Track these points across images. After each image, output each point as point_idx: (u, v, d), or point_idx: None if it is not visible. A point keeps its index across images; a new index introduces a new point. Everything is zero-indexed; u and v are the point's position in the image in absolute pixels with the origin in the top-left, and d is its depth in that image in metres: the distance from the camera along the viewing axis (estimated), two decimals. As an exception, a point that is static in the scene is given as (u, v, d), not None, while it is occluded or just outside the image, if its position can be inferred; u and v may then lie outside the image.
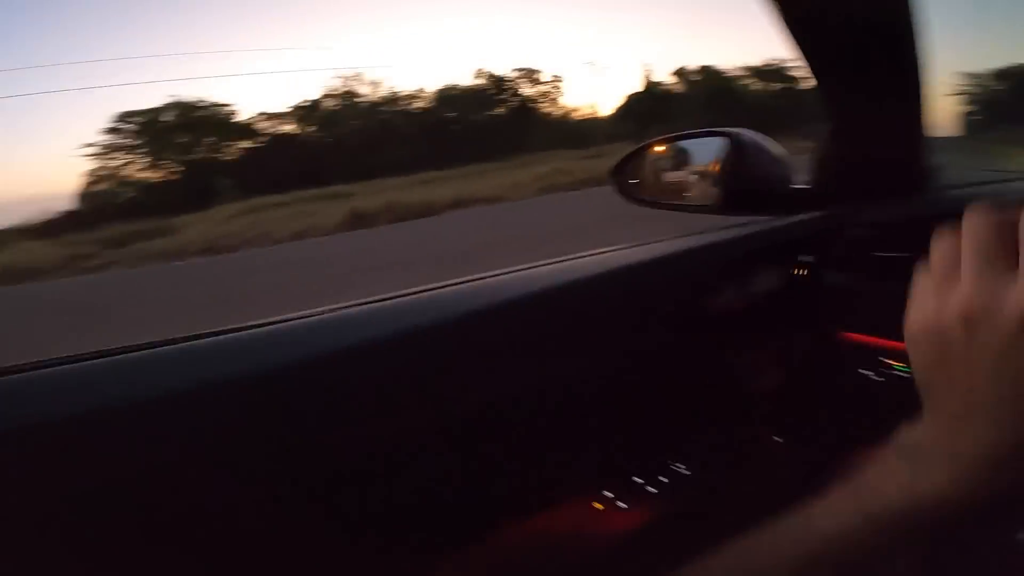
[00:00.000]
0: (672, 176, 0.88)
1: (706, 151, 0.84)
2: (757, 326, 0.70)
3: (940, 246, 0.31)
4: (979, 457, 0.29)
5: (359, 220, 12.73)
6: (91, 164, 22.07)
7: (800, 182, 0.78)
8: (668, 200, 0.86)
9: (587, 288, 0.57)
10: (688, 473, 0.67)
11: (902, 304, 0.33)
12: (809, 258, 0.69)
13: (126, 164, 22.27)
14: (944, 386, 0.31)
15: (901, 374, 0.62)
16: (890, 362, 0.63)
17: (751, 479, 0.71)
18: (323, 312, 0.48)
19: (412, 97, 26.16)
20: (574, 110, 28.12)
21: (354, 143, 23.28)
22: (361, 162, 20.92)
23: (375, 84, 25.83)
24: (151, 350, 0.40)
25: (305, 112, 25.03)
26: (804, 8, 0.58)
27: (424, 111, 26.01)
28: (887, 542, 0.32)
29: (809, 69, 0.66)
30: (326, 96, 25.26)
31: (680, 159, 0.87)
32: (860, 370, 0.66)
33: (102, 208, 20.46)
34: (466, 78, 27.54)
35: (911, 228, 0.65)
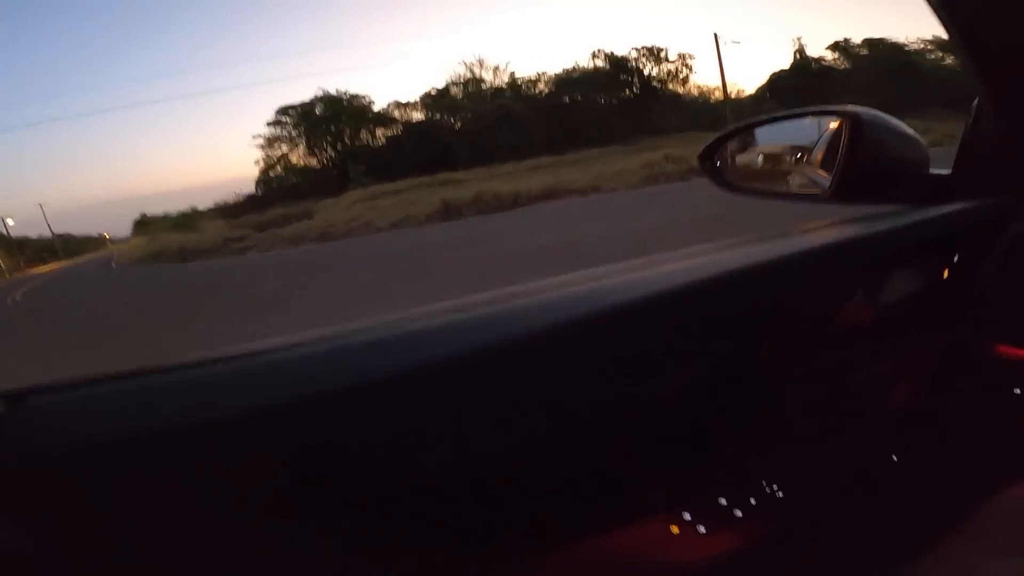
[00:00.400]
0: (775, 161, 0.78)
1: (816, 132, 0.73)
2: (890, 334, 0.60)
3: None
4: None
5: (447, 212, 12.95)
6: (260, 153, 25.59)
7: (938, 168, 0.65)
8: (771, 188, 0.77)
9: (680, 296, 0.49)
10: (782, 496, 0.60)
11: None
12: (960, 257, 0.57)
13: (284, 154, 25.53)
14: None
15: None
16: None
17: (855, 503, 0.62)
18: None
19: (532, 82, 26.19)
20: (707, 90, 26.05)
21: (473, 130, 23.99)
22: (478, 149, 21.53)
23: (496, 70, 26.38)
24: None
25: (432, 100, 26.33)
26: None
27: (544, 96, 25.90)
28: None
29: (956, 31, 0.54)
30: (451, 84, 26.33)
31: (784, 141, 0.77)
32: (1015, 389, 0.58)
33: (263, 194, 23.77)
34: (586, 59, 26.64)
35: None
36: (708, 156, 0.80)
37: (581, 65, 25.98)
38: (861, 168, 0.64)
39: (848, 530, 0.60)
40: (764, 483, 0.64)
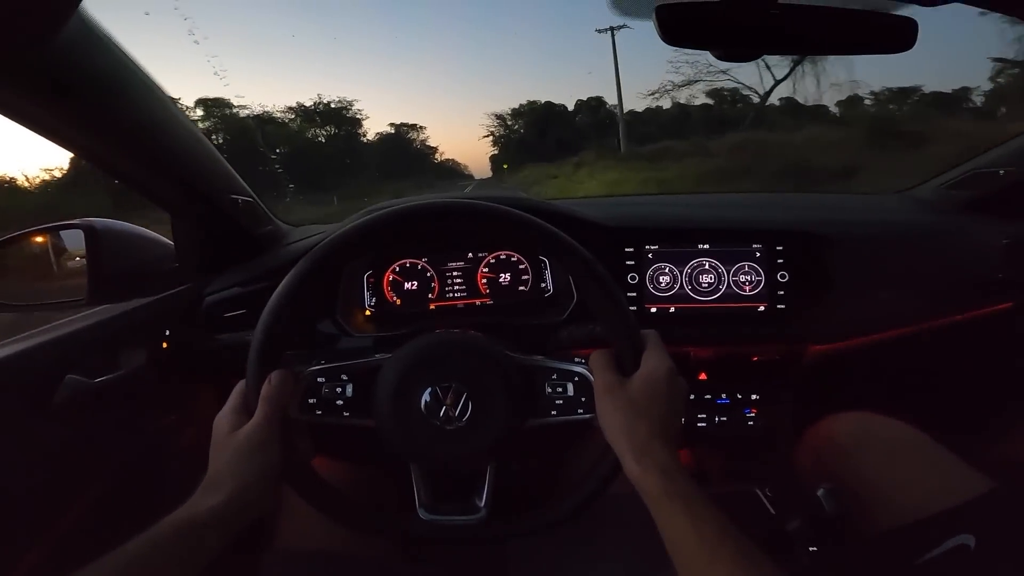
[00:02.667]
0: (35, 274, 0.81)
1: (69, 243, 0.81)
2: (145, 396, 0.71)
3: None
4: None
5: None
6: None
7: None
8: (36, 300, 0.79)
9: None
10: None
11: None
12: (168, 332, 0.75)
13: None
14: None
15: None
16: None
17: None
18: None
19: None
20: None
21: None
22: None
23: None
24: None
25: None
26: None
27: None
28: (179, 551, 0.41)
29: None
30: None
31: (41, 256, 0.81)
32: None
33: None
34: None
35: (253, 287, 0.82)
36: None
37: None
38: (107, 271, 0.76)
39: None
40: None
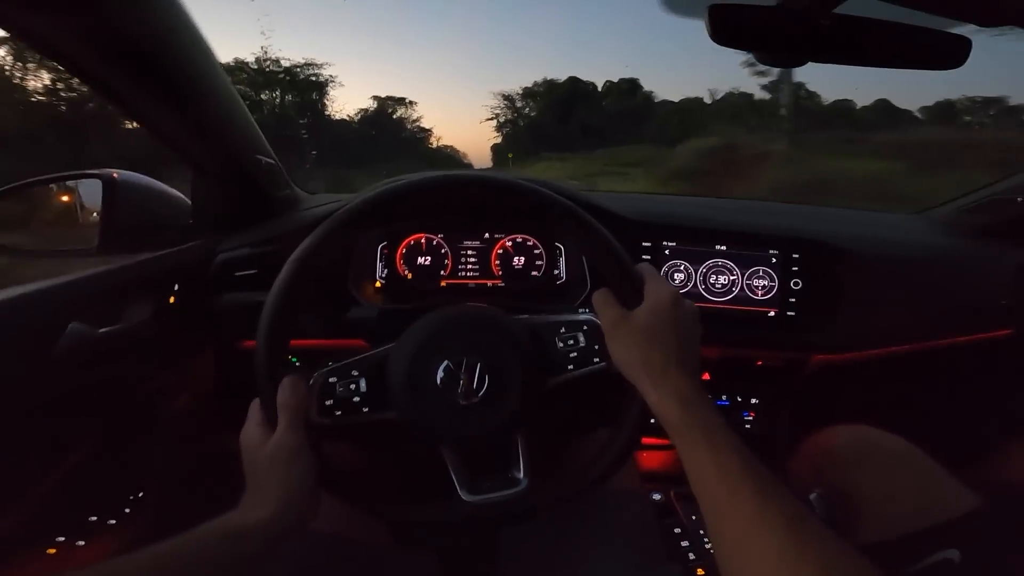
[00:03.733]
0: (48, 221, 0.80)
1: (85, 193, 0.80)
2: (144, 352, 0.72)
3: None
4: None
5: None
6: None
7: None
8: (43, 248, 0.79)
9: None
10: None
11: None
12: (177, 287, 0.74)
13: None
14: None
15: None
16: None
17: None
18: None
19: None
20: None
21: None
22: None
23: None
24: None
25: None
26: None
27: None
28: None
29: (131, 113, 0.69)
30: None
31: (53, 203, 0.80)
32: None
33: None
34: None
35: (266, 248, 0.81)
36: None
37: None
38: (121, 222, 0.75)
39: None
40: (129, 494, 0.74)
